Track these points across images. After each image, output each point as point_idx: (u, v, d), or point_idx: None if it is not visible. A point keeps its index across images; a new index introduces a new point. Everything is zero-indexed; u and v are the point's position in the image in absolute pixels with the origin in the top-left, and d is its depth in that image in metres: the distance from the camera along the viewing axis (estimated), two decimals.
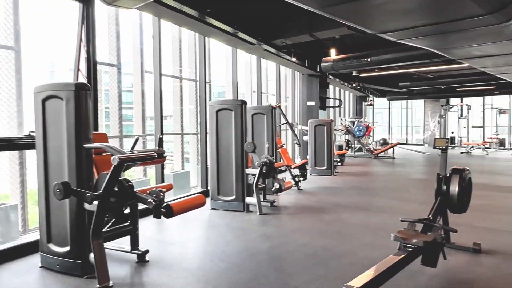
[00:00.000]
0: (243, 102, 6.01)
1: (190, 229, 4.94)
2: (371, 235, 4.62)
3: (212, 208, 6.09)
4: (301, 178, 8.09)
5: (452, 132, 21.62)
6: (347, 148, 16.39)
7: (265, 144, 6.90)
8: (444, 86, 15.27)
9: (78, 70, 4.72)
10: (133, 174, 6.87)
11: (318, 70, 11.87)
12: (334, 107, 13.50)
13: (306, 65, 11.15)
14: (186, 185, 7.25)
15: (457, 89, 16.69)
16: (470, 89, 17.65)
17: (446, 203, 4.00)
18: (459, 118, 21.13)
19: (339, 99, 13.28)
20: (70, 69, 4.95)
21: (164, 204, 3.20)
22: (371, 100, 17.49)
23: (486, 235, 4.71)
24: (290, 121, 9.73)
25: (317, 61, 11.47)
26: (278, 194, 6.93)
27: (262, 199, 6.30)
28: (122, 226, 3.69)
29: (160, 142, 3.85)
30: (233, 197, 5.95)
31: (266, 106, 7.69)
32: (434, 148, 4.33)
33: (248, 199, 5.90)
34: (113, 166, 3.01)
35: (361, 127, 15.23)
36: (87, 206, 3.27)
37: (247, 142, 5.87)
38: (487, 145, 17.34)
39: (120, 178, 3.19)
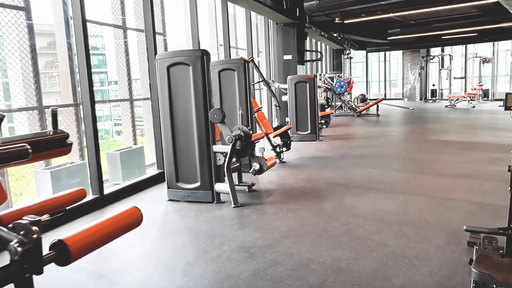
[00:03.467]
0: (205, 53, 4.31)
1: (130, 240, 3.38)
2: (397, 236, 3.23)
3: (169, 200, 4.54)
4: (284, 148, 6.62)
5: (434, 85, 20.57)
6: (327, 106, 14.99)
7: (238, 110, 5.30)
8: (430, 33, 13.85)
9: None
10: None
11: (298, 14, 10.12)
12: (313, 60, 11.90)
13: (284, 7, 9.37)
14: (139, 165, 5.61)
15: (442, 37, 15.33)
16: (455, 37, 16.38)
17: None
18: (440, 69, 20.03)
19: (319, 52, 11.68)
20: None
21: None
22: (349, 53, 15.93)
23: None
24: (266, 78, 8.10)
25: (297, 3, 9.72)
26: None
27: (237, 183, 4.79)
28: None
29: (54, 120, 2.19)
30: (198, 184, 4.40)
31: (236, 59, 6.01)
32: (506, 109, 2.77)
33: (218, 186, 4.37)
34: None
35: (342, 83, 13.77)
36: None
37: (212, 110, 4.25)
38: (472, 97, 16.35)
39: None
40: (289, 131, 6.99)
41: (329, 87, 13.48)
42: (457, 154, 6.59)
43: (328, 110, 9.99)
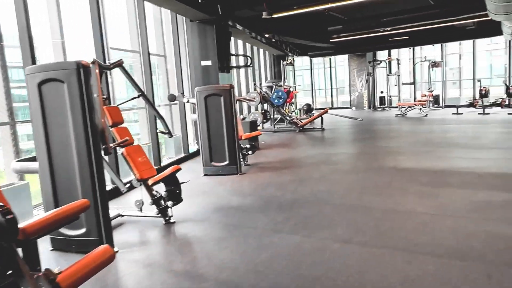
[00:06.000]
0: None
1: None
2: None
3: None
4: (170, 202, 4.23)
5: (382, 92, 19.17)
6: (265, 120, 12.92)
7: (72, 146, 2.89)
8: (375, 33, 12.16)
9: None
10: None
11: (218, 9, 7.86)
12: (240, 67, 9.70)
13: None
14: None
15: (389, 38, 13.78)
16: (402, 39, 14.99)
17: None
18: (388, 75, 18.67)
19: (248, 56, 9.49)
20: None
21: None
22: (291, 59, 13.94)
23: None
24: (151, 90, 5.69)
25: None
26: None
27: None
28: None
29: None
30: None
31: (67, 63, 3.58)
32: None
33: None
34: None
35: (280, 93, 11.69)
36: None
37: None
38: (423, 104, 14.93)
39: None
40: (174, 175, 4.58)
41: (262, 98, 11.35)
42: (427, 196, 4.54)
43: (256, 132, 7.70)
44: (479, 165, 5.87)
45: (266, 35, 10.80)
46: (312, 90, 21.59)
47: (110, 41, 6.46)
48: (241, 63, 11.58)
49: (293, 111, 16.33)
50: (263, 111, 12.96)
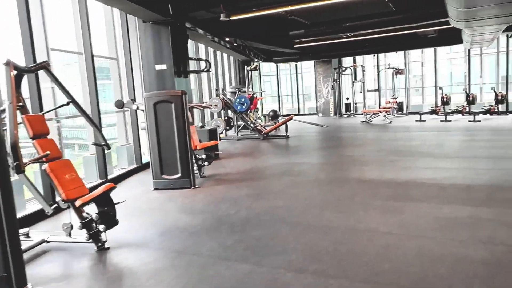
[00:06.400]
0: None
1: None
2: None
3: None
4: (101, 226, 3.67)
5: (347, 98, 19.16)
6: (228, 128, 12.46)
7: None
8: (339, 39, 12.00)
9: None
10: None
11: (171, 10, 7.36)
12: (198, 71, 9.19)
13: None
14: None
15: (353, 45, 13.67)
16: (366, 45, 14.99)
17: None
18: (353, 81, 18.68)
19: (207, 60, 9.00)
20: None
21: None
22: (255, 65, 13.56)
23: None
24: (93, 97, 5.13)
25: None
26: None
27: None
28: None
29: None
30: None
31: None
32: None
33: None
34: None
35: (243, 100, 11.27)
36: None
37: None
38: (387, 111, 14.94)
39: None
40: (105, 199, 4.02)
41: (225, 104, 10.90)
42: (391, 212, 4.21)
43: (213, 141, 7.18)
44: (443, 176, 5.64)
45: (227, 39, 10.35)
46: (279, 96, 21.33)
47: (53, 42, 5.86)
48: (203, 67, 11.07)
49: (259, 118, 15.98)
50: (226, 118, 12.51)
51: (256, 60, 16.87)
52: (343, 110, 18.96)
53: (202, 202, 5.09)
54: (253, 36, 11.40)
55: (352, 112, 18.65)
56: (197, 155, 6.43)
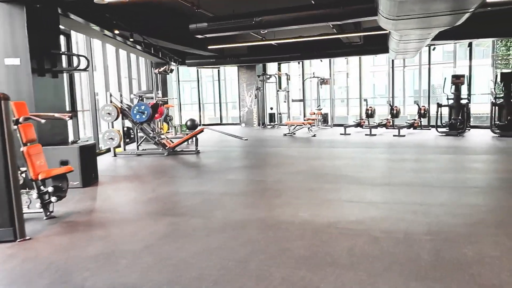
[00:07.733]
0: None
1: None
2: None
3: None
4: None
5: (271, 108, 17.98)
6: (128, 140, 10.52)
7: None
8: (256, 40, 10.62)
9: None
10: None
11: None
12: (71, 70, 7.14)
13: None
14: None
15: (273, 49, 12.40)
16: (289, 51, 13.92)
17: None
18: (278, 90, 17.56)
19: (83, 56, 6.97)
20: None
21: None
22: (165, 67, 11.67)
23: None
24: None
25: None
26: None
27: None
28: None
29: None
30: None
31: None
32: None
33: None
34: None
35: (143, 108, 9.35)
36: None
37: None
38: (311, 124, 13.90)
39: None
40: None
41: (121, 113, 8.95)
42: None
43: (65, 167, 5.16)
44: (373, 216, 4.32)
45: (116, 32, 8.40)
46: (200, 104, 19.59)
47: None
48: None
49: (174, 127, 14.09)
50: (125, 129, 10.49)
51: (174, 64, 15.03)
52: (267, 120, 17.75)
53: (20, 271, 3.17)
54: (152, 30, 9.57)
55: (276, 122, 17.49)
56: (41, 187, 4.45)
